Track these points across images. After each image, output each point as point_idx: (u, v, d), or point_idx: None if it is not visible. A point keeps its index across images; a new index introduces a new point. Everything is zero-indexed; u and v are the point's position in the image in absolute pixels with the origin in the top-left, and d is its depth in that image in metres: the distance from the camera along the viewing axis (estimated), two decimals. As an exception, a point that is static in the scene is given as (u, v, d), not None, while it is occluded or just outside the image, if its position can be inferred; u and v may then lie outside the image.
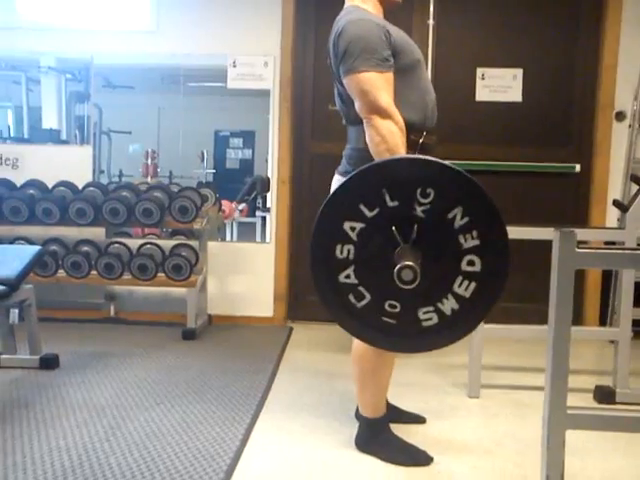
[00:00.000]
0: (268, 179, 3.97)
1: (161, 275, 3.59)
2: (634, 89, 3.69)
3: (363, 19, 1.91)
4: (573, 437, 1.48)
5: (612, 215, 3.72)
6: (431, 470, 1.98)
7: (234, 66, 3.88)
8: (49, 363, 2.84)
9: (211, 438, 2.14)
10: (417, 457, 2.03)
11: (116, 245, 3.74)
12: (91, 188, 3.72)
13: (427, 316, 1.36)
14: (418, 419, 2.36)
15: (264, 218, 4.12)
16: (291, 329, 3.80)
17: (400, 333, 1.38)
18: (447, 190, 1.27)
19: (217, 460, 1.97)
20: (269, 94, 3.88)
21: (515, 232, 2.77)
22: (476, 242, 1.28)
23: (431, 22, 3.78)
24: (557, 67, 3.85)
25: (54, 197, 3.63)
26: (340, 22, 1.93)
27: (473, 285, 1.34)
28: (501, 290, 1.38)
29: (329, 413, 2.43)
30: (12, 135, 4.50)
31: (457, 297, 1.35)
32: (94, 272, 3.59)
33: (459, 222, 1.27)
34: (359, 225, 1.28)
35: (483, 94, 3.86)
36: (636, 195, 2.70)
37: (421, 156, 1.32)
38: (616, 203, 2.94)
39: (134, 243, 3.78)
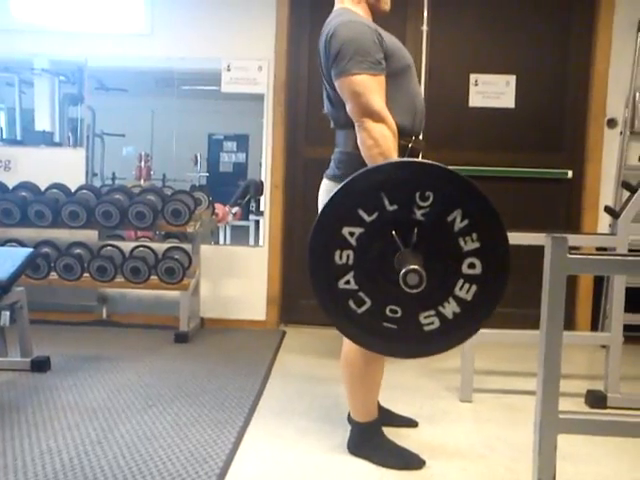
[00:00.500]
0: (261, 183, 3.97)
1: (154, 278, 3.58)
2: (625, 96, 3.73)
3: (355, 21, 1.91)
4: (565, 441, 1.49)
5: (604, 221, 3.75)
6: (423, 474, 1.98)
7: (228, 70, 3.89)
8: (40, 366, 2.83)
9: (203, 441, 2.14)
10: (409, 461, 2.03)
11: (109, 248, 3.73)
12: (84, 191, 3.71)
13: (429, 320, 1.36)
14: (410, 423, 2.36)
15: (257, 222, 4.12)
16: (284, 333, 3.80)
17: (401, 338, 1.38)
18: (446, 193, 1.26)
19: (209, 463, 1.97)
20: (263, 98, 3.89)
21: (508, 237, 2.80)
22: (476, 244, 1.28)
23: (425, 28, 3.79)
24: (550, 74, 3.87)
25: (47, 199, 3.62)
26: (331, 24, 1.92)
27: (474, 288, 1.34)
28: (502, 292, 1.38)
29: (321, 417, 2.43)
30: (5, 137, 4.48)
31: (458, 300, 1.34)
32: (86, 275, 3.58)
33: (459, 225, 1.27)
34: (358, 230, 1.27)
35: (476, 100, 3.88)
36: (627, 201, 2.72)
37: (420, 159, 1.31)
38: (607, 209, 2.96)
39: (127, 246, 3.77)
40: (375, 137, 1.79)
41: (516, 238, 2.79)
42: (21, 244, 3.61)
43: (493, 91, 3.87)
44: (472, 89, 3.87)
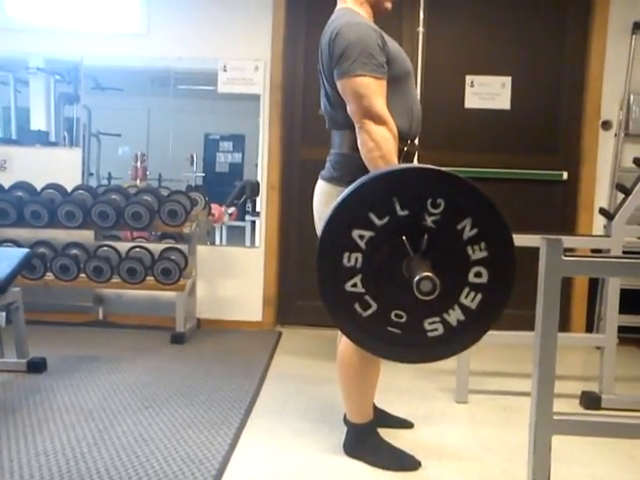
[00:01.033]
0: (258, 183, 3.97)
1: (150, 279, 3.58)
2: (620, 98, 3.75)
3: (361, 23, 1.91)
4: (559, 442, 1.50)
5: (599, 223, 3.77)
6: (419, 475, 1.99)
7: (225, 70, 3.89)
8: (36, 366, 2.83)
9: (199, 442, 2.14)
10: (405, 462, 2.04)
11: (105, 248, 3.73)
12: (80, 191, 3.70)
13: (433, 327, 1.36)
14: (406, 424, 2.37)
15: (253, 222, 4.12)
16: (280, 334, 3.80)
17: (405, 343, 1.37)
18: (457, 201, 1.27)
19: (205, 464, 1.97)
20: (259, 98, 3.89)
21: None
22: (484, 254, 1.29)
23: (421, 30, 3.81)
24: (545, 76, 3.89)
25: (43, 200, 3.61)
26: (335, 24, 1.92)
27: (479, 296, 1.34)
28: (506, 302, 1.39)
29: (317, 418, 2.44)
30: (0, 136, 4.47)
31: (463, 308, 1.35)
32: (83, 275, 3.58)
33: (468, 233, 1.28)
34: (368, 233, 1.27)
35: (472, 101, 3.89)
36: (621, 203, 2.73)
37: (433, 167, 1.31)
38: (602, 211, 2.97)
39: (123, 246, 3.77)
40: (376, 140, 1.80)
41: (511, 239, 2.82)
42: (17, 244, 3.61)
43: (489, 92, 3.88)
44: (468, 90, 3.89)
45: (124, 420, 2.31)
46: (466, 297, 1.35)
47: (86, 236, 3.77)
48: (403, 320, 1.35)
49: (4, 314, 2.73)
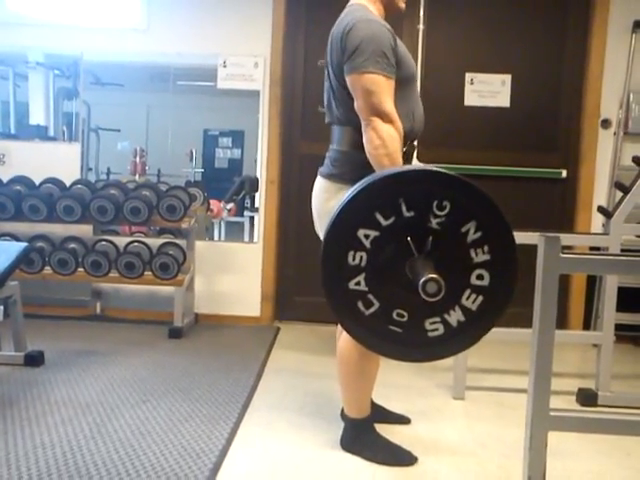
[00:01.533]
0: (257, 179, 3.97)
1: (148, 273, 3.58)
2: (619, 97, 3.75)
3: (375, 20, 1.90)
4: (555, 439, 1.50)
5: (597, 221, 3.77)
6: (415, 470, 1.99)
7: (224, 66, 3.88)
8: (34, 360, 2.83)
9: (197, 436, 2.15)
10: (401, 457, 2.04)
11: (103, 243, 3.73)
12: (79, 185, 3.70)
13: (433, 327, 1.37)
14: (403, 419, 2.38)
15: (252, 218, 4.12)
16: (278, 329, 3.80)
17: (405, 342, 1.38)
18: (463, 204, 1.28)
19: (203, 458, 1.97)
20: (259, 94, 3.89)
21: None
22: (487, 257, 1.30)
23: (421, 27, 3.81)
24: (545, 74, 3.89)
25: (41, 194, 3.61)
26: (349, 18, 1.91)
27: (480, 299, 1.35)
28: (507, 305, 1.40)
29: (315, 413, 2.44)
30: (-1, 130, 4.46)
31: (464, 309, 1.35)
32: (81, 269, 3.58)
33: (472, 236, 1.29)
34: (373, 233, 1.28)
35: (472, 99, 3.89)
36: (620, 202, 2.74)
37: (441, 169, 1.31)
38: (600, 209, 2.97)
39: (121, 241, 3.77)
40: (383, 137, 1.79)
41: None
42: (15, 238, 3.60)
43: (489, 90, 3.88)
44: (468, 88, 3.88)
45: (121, 414, 2.32)
46: (467, 299, 1.36)
47: (84, 230, 3.77)
48: (404, 319, 1.36)
49: (2, 308, 2.73)
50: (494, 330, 2.82)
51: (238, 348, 3.35)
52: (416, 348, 1.42)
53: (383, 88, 1.83)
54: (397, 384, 2.82)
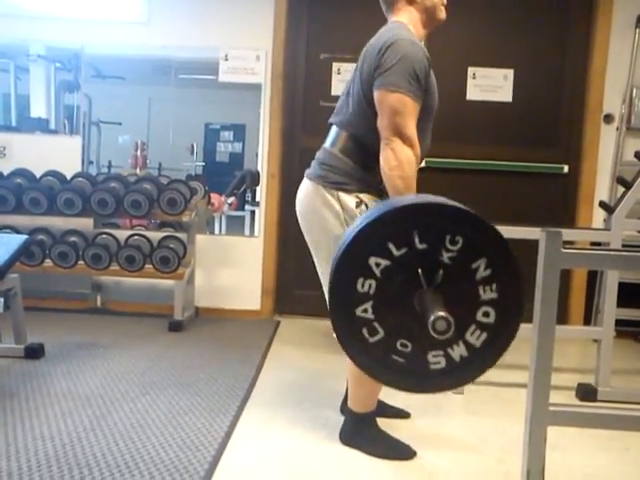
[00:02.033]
0: (258, 173, 3.97)
1: (149, 267, 3.58)
2: (622, 92, 3.73)
3: (416, 44, 1.90)
4: (555, 433, 1.50)
5: (599, 216, 3.77)
6: (414, 464, 2.00)
7: (226, 59, 3.87)
8: (34, 352, 2.83)
9: (196, 429, 2.15)
10: (401, 451, 2.05)
11: (104, 236, 3.73)
12: (80, 178, 3.70)
13: (436, 360, 1.37)
14: (402, 413, 2.38)
15: (253, 212, 4.12)
16: (278, 323, 3.81)
17: (406, 372, 1.38)
18: (475, 240, 1.28)
19: (202, 451, 1.98)
20: (260, 88, 3.88)
21: (502, 231, 2.81)
22: (494, 295, 1.30)
23: (424, 20, 3.79)
24: (547, 68, 3.87)
25: (42, 187, 3.61)
26: (391, 34, 1.91)
27: (484, 335, 1.35)
28: (509, 344, 1.41)
29: (314, 406, 2.44)
30: (-1, 123, 4.46)
31: (467, 345, 1.36)
32: (81, 262, 3.58)
33: (481, 273, 1.29)
34: (385, 262, 1.29)
35: (474, 93, 3.88)
36: (622, 197, 2.73)
37: (457, 204, 1.32)
38: (602, 204, 2.97)
39: (122, 234, 3.77)
40: (401, 159, 1.81)
41: (511, 232, 2.81)
42: (16, 231, 3.60)
43: (491, 85, 3.87)
44: (470, 82, 3.87)
45: (121, 407, 2.32)
46: (472, 335, 1.36)
47: (85, 223, 3.76)
48: (408, 350, 1.36)
49: (2, 300, 2.74)
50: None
51: (238, 342, 3.35)
52: (417, 379, 1.42)
53: (409, 110, 1.83)
54: (397, 378, 2.82)
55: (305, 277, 3.86)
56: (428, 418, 2.39)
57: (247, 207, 4.23)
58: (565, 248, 1.43)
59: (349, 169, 1.95)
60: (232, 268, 3.95)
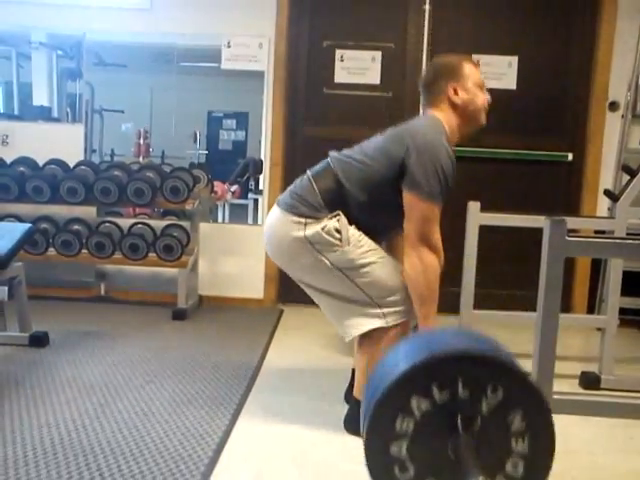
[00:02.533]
0: (261, 161, 3.96)
1: (152, 255, 3.58)
2: (628, 79, 3.70)
3: (450, 150, 1.95)
4: (558, 422, 1.50)
5: (603, 204, 3.75)
6: (417, 452, 2.00)
7: (228, 47, 3.85)
8: (39, 341, 2.84)
9: (200, 417, 2.16)
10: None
11: (107, 224, 3.73)
12: (82, 167, 3.70)
13: None
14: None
15: (256, 200, 4.11)
16: (281, 311, 3.81)
17: None
18: (514, 393, 1.31)
19: (206, 439, 1.98)
20: (263, 75, 3.86)
21: (506, 219, 2.81)
22: (525, 447, 1.33)
23: (427, 7, 3.76)
24: (552, 56, 3.84)
25: (45, 175, 3.61)
26: (431, 134, 1.96)
27: None
28: None
29: (317, 395, 2.45)
30: (2, 111, 4.45)
31: None
32: (85, 251, 3.58)
33: (516, 425, 1.31)
34: (426, 404, 1.31)
35: (478, 81, 3.84)
36: (627, 185, 2.72)
37: (503, 357, 1.35)
38: (607, 193, 2.96)
39: (125, 223, 3.77)
40: (426, 265, 1.92)
41: (515, 220, 2.82)
42: (19, 219, 3.61)
43: (495, 72, 3.84)
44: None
45: (125, 395, 2.33)
46: None
47: (88, 212, 3.77)
48: None
49: (6, 288, 2.73)
50: (499, 313, 2.84)
51: (241, 330, 3.36)
52: None
53: (436, 217, 1.94)
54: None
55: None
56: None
57: (250, 195, 4.23)
58: (570, 236, 1.43)
59: (317, 205, 2.00)
60: (235, 256, 3.95)
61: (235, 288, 3.94)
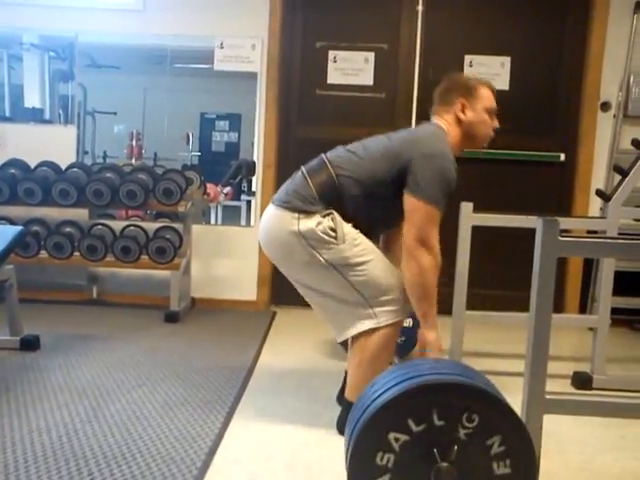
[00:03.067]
0: (254, 163, 3.95)
1: (144, 258, 3.57)
2: (619, 80, 3.72)
3: (453, 160, 1.99)
4: (551, 422, 1.50)
5: (595, 204, 3.76)
6: (411, 453, 1.99)
7: (221, 48, 3.85)
8: (30, 344, 2.83)
9: (193, 420, 2.15)
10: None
11: (99, 227, 3.71)
12: (75, 169, 3.68)
13: None
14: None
15: (249, 202, 4.11)
16: (274, 313, 3.80)
17: None
18: (491, 418, 1.33)
19: (198, 442, 1.97)
20: (256, 77, 3.86)
21: (499, 220, 2.81)
22: (507, 470, 1.35)
23: (420, 8, 3.76)
24: (545, 56, 3.86)
25: (36, 177, 3.59)
26: (435, 143, 2.01)
27: None
28: None
29: (310, 396, 2.44)
30: (-7, 113, 4.42)
31: None
32: (77, 253, 3.56)
33: (496, 449, 1.34)
34: (404, 437, 1.34)
35: (470, 81, 3.85)
36: (618, 185, 2.72)
37: (477, 384, 1.37)
38: (598, 193, 2.96)
39: (117, 225, 3.75)
40: (423, 267, 1.94)
41: (507, 220, 2.82)
42: (10, 222, 3.58)
43: (488, 72, 3.84)
44: (467, 70, 3.85)
45: (117, 398, 2.32)
46: None
47: (80, 214, 3.75)
48: None
49: (-3, 291, 2.73)
50: (491, 314, 2.84)
51: (234, 332, 3.35)
52: None
53: (437, 221, 1.97)
54: (394, 368, 2.82)
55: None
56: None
57: (243, 197, 4.21)
58: (562, 236, 1.42)
59: (310, 198, 2.01)
60: (228, 258, 3.94)
61: (228, 290, 3.93)
